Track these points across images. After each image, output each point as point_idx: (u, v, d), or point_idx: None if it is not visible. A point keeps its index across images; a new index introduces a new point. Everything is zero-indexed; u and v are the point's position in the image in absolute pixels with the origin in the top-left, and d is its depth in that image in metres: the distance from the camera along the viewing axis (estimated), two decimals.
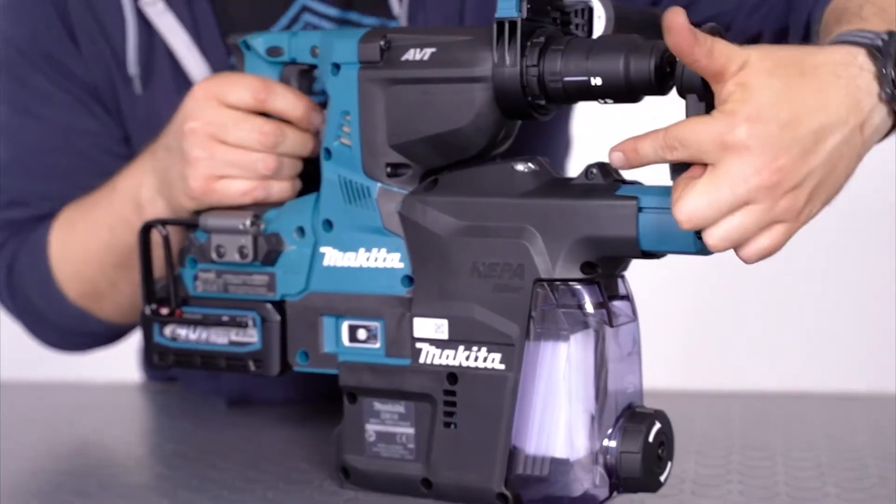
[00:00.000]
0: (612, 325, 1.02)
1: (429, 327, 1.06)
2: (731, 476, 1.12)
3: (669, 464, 1.04)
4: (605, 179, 1.01)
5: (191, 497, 1.10)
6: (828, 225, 2.58)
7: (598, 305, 1.01)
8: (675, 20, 0.91)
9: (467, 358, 1.04)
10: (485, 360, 1.04)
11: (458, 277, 1.04)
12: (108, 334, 1.40)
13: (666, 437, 1.03)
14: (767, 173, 0.91)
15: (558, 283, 1.01)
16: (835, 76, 0.95)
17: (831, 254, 2.61)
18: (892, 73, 0.96)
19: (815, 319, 2.63)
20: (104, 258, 1.31)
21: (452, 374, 1.05)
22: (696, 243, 0.97)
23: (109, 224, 1.28)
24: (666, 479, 1.04)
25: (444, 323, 1.05)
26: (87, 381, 1.55)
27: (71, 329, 1.38)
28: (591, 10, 1.06)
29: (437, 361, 1.05)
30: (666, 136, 0.93)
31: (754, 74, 0.93)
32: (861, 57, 0.96)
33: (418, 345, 1.06)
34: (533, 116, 1.04)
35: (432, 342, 1.06)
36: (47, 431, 1.36)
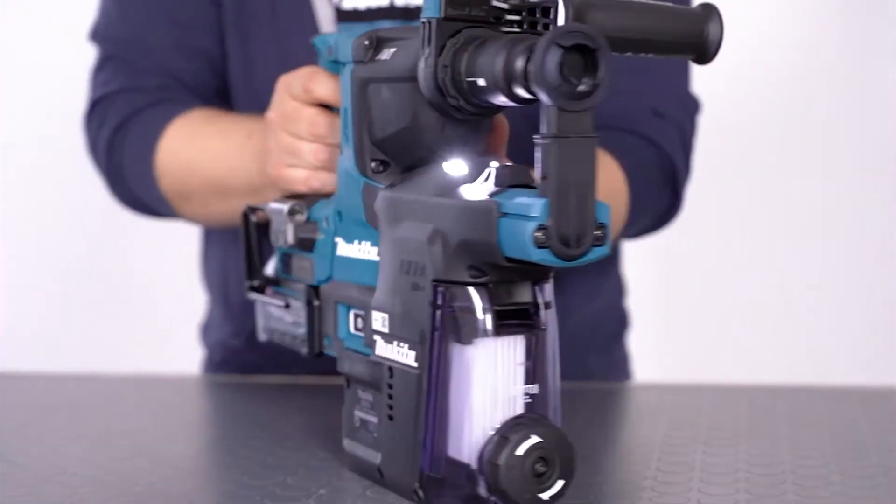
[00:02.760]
0: (496, 334, 1.00)
1: (378, 320, 1.08)
2: (740, 465, 1.15)
3: (561, 482, 0.99)
4: (497, 181, 1.00)
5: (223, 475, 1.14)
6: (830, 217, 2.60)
7: (483, 311, 1.00)
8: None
9: (396, 353, 1.05)
10: (405, 356, 1.04)
11: (393, 274, 1.06)
12: (172, 216, 1.53)
13: (551, 453, 0.99)
14: None
15: (451, 284, 1.01)
16: None
17: (830, 250, 2.63)
18: None
19: (817, 314, 2.65)
20: (208, 182, 1.42)
21: (390, 368, 1.06)
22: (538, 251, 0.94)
23: (230, 162, 1.37)
24: (556, 498, 0.99)
25: (386, 317, 1.07)
26: (143, 374, 1.59)
27: (147, 204, 1.51)
28: (555, 9, 1.02)
29: (383, 354, 1.07)
30: None
31: None
32: None
33: (374, 336, 1.08)
34: (457, 117, 1.04)
35: (381, 335, 1.07)
36: (96, 419, 1.39)
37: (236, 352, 1.61)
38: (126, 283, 2.77)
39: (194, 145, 1.43)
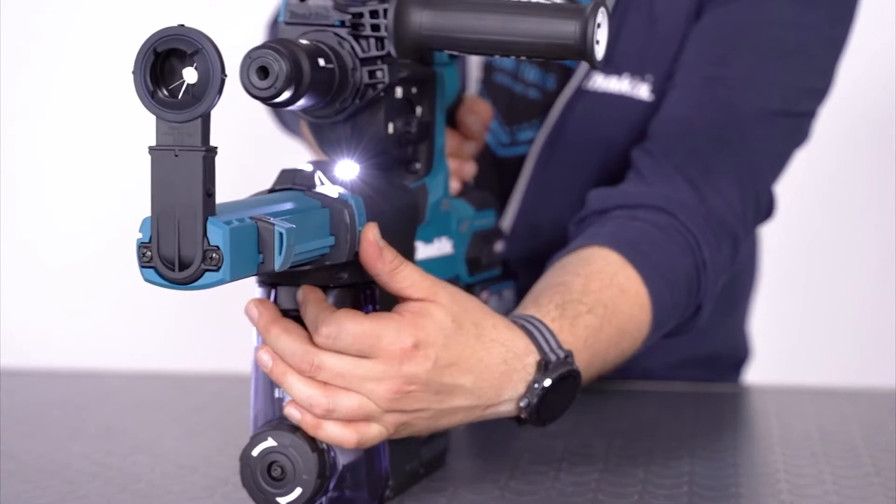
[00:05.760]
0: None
1: None
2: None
3: (300, 489, 1.01)
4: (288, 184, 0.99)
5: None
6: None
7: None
8: (366, 234, 0.97)
9: None
10: None
11: None
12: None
13: (286, 460, 1.01)
14: (395, 385, 0.99)
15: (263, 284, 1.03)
16: (502, 360, 1.02)
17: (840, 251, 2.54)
18: (542, 386, 1.03)
19: (814, 316, 2.57)
20: None
21: None
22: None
23: None
24: None
25: None
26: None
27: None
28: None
29: None
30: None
31: (438, 311, 0.99)
32: (531, 358, 1.04)
33: None
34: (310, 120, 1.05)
35: None
36: (96, 416, 1.39)
37: None
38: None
39: None
